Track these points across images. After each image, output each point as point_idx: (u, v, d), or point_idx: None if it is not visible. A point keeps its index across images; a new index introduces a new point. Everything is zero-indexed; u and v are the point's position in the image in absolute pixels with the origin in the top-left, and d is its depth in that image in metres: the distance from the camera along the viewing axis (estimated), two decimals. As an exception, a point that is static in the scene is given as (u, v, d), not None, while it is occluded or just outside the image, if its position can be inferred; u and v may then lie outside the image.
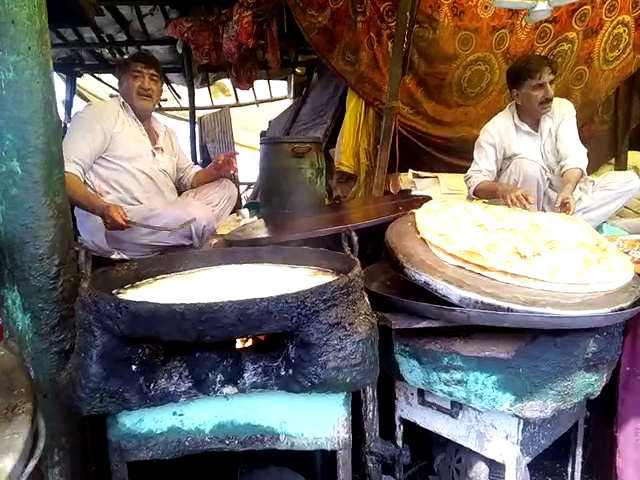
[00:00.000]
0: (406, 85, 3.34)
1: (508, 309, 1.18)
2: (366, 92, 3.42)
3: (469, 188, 2.61)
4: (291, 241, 1.76)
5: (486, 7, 3.35)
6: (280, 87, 7.58)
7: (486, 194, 2.50)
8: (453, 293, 1.24)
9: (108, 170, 2.20)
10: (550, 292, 1.26)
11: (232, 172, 2.46)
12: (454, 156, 3.57)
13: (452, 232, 1.49)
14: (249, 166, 8.32)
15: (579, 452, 1.59)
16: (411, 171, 3.29)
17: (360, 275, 1.24)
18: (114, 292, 1.32)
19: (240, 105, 8.07)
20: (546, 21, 3.44)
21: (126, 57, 3.44)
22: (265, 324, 1.05)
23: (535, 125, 2.55)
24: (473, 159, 2.62)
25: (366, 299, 1.28)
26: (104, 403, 1.06)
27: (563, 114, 2.49)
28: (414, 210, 1.64)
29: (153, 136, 2.40)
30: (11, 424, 0.73)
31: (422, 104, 3.54)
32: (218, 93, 7.80)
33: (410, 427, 1.61)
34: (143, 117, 2.35)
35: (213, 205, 2.38)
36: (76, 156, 2.06)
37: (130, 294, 1.31)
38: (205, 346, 1.15)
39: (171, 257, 1.56)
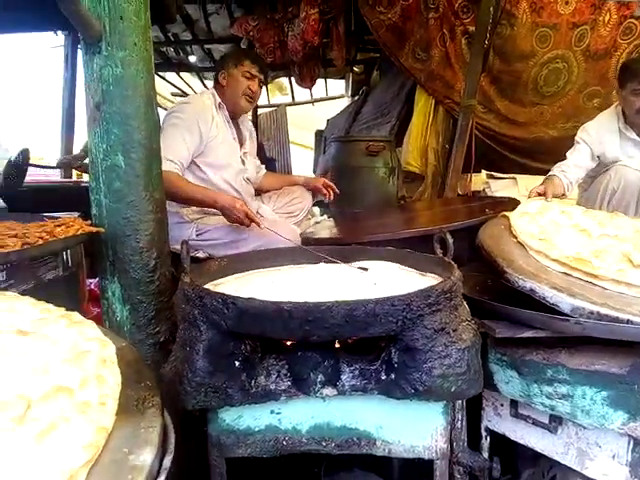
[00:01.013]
0: (479, 83, 3.24)
1: (628, 321, 1.10)
2: (437, 90, 3.35)
3: None
4: (373, 241, 1.72)
5: (567, 3, 3.19)
6: (336, 86, 7.57)
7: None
8: (564, 302, 1.17)
9: (195, 178, 2.07)
10: (671, 305, 1.17)
11: (327, 197, 2.37)
12: (529, 157, 3.43)
13: (553, 237, 1.41)
14: (303, 164, 8.39)
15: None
16: (485, 172, 3.19)
17: (461, 279, 1.19)
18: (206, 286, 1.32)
19: (296, 104, 8.14)
20: (631, 17, 3.24)
21: (237, 50, 3.16)
22: (371, 326, 1.02)
23: None
24: (552, 161, 2.49)
25: (465, 305, 1.23)
26: (208, 398, 1.06)
27: None
28: (506, 212, 1.57)
29: (241, 139, 2.28)
30: (144, 417, 0.73)
31: (495, 102, 3.43)
32: (275, 91, 7.89)
33: (493, 439, 1.54)
34: (234, 117, 2.23)
35: (294, 215, 2.32)
36: (175, 156, 1.92)
37: (220, 288, 1.31)
38: (304, 346, 1.13)
39: (258, 254, 1.56)
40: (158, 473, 0.66)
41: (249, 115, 6.96)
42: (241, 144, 2.26)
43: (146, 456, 0.66)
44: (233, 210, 1.84)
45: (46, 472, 0.58)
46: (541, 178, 2.68)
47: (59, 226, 1.19)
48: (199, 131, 2.01)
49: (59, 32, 4.47)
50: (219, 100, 2.15)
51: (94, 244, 1.37)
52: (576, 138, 2.39)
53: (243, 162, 2.23)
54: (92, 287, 1.76)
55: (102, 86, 1.29)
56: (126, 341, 0.93)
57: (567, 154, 2.39)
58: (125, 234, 1.30)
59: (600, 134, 2.35)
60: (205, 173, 2.09)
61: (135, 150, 1.30)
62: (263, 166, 2.56)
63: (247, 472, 1.45)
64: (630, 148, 2.32)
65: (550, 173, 2.33)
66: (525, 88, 3.44)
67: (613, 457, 1.24)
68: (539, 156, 3.25)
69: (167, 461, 0.68)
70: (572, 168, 2.34)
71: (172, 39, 5.79)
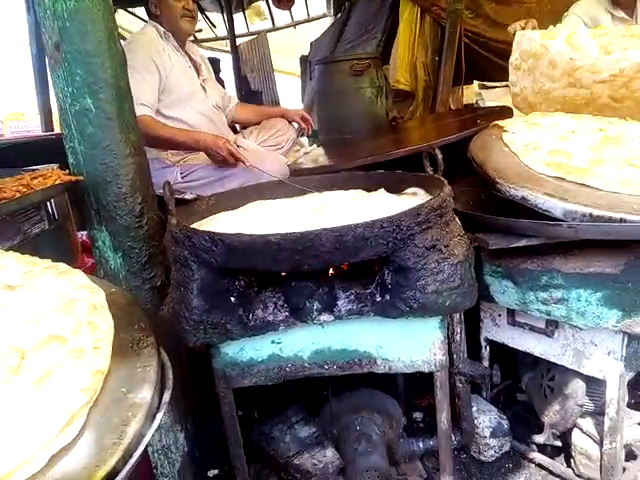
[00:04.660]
0: (465, -15, 3.04)
1: (621, 220, 1.09)
2: (422, -3, 3.14)
3: None
4: (363, 166, 1.68)
5: None
6: (318, 5, 7.13)
7: None
8: (556, 207, 1.15)
9: (167, 119, 1.96)
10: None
11: (305, 131, 2.29)
12: (520, 63, 3.26)
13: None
14: (290, 93, 8.09)
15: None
16: (477, 82, 3.05)
17: (451, 195, 1.17)
18: (195, 225, 1.31)
19: (277, 29, 7.71)
20: None
21: None
22: (362, 251, 1.02)
23: (630, 10, 2.25)
24: None
25: (457, 220, 1.22)
26: (208, 334, 1.08)
27: None
28: (498, 122, 1.51)
29: (196, 66, 2.17)
30: (140, 357, 0.74)
31: (482, 6, 3.22)
32: (253, 18, 7.45)
33: (493, 348, 1.59)
34: (182, 44, 2.11)
35: (279, 147, 2.25)
36: (145, 99, 1.83)
37: (208, 227, 1.30)
38: (298, 275, 1.14)
39: (244, 190, 1.53)
40: (158, 408, 0.68)
41: (227, 47, 6.59)
42: (197, 72, 2.16)
43: (145, 393, 0.67)
44: (217, 150, 1.80)
45: (47, 415, 0.59)
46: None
47: (36, 178, 1.16)
48: (156, 67, 1.92)
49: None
50: (163, 30, 2.03)
51: (77, 194, 1.34)
52: (565, 14, 2.29)
53: (205, 89, 2.15)
54: (84, 238, 1.75)
55: (58, 23, 1.20)
56: (117, 287, 0.92)
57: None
58: (106, 180, 1.26)
59: (588, 15, 2.26)
60: (175, 111, 2.01)
61: (103, 90, 1.23)
62: (233, 95, 2.45)
63: (258, 399, 1.52)
64: (619, 27, 2.22)
65: None
66: (511, -15, 3.22)
67: (608, 354, 1.28)
68: (532, 61, 3.10)
69: (166, 396, 0.70)
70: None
71: (137, -31, 5.39)
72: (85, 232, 1.76)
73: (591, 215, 1.11)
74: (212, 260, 1.03)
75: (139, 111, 1.75)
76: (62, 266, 0.91)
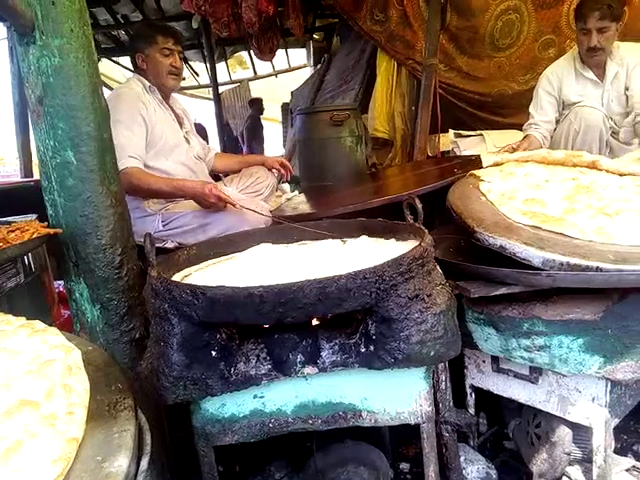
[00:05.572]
0: (439, 41, 3.19)
1: (597, 268, 1.11)
2: (398, 52, 3.28)
3: None
4: (345, 214, 1.70)
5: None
6: (298, 56, 7.41)
7: None
8: (534, 256, 1.17)
9: (149, 169, 1.96)
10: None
11: (284, 177, 2.35)
12: (493, 113, 3.42)
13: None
14: (272, 139, 8.25)
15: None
16: (452, 131, 3.16)
17: (432, 244, 1.19)
18: (176, 278, 1.29)
19: (259, 78, 7.95)
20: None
21: (144, 26, 2.96)
22: (345, 302, 1.01)
23: (601, 71, 2.32)
24: (516, 115, 2.49)
25: (438, 269, 1.22)
26: (188, 390, 1.04)
27: (637, 62, 2.23)
28: (474, 171, 1.56)
29: (179, 119, 2.21)
30: (116, 421, 0.71)
31: (455, 59, 3.39)
32: (236, 67, 7.69)
33: (478, 395, 1.58)
34: (166, 97, 2.16)
35: (259, 194, 2.27)
36: (133, 151, 1.85)
37: (190, 279, 1.28)
38: (281, 327, 1.12)
39: (226, 239, 1.52)
40: (135, 477, 0.65)
41: (210, 94, 6.75)
42: (180, 124, 2.20)
43: (121, 461, 0.64)
44: (204, 197, 1.81)
45: (14, 492, 0.56)
46: (508, 132, 2.69)
47: (13, 231, 1.14)
48: (142, 118, 1.94)
49: (-2, 24, 4.22)
50: (148, 84, 2.06)
51: (55, 245, 1.32)
52: (537, 90, 2.39)
53: (188, 141, 2.18)
54: (61, 289, 1.71)
55: (42, 78, 1.22)
56: (93, 344, 0.90)
57: (531, 110, 2.39)
58: (85, 232, 1.25)
59: (559, 76, 2.37)
60: (157, 162, 2.02)
61: (85, 143, 1.24)
62: (213, 146, 2.50)
63: (239, 452, 1.46)
64: (588, 88, 2.33)
65: (524, 134, 2.34)
66: (482, 42, 3.40)
67: (593, 400, 1.28)
68: (503, 110, 3.24)
69: (143, 464, 0.67)
70: (542, 124, 2.35)
71: (122, 21, 5.56)
72: (62, 282, 1.73)
73: (568, 264, 1.13)
74: (193, 314, 1.01)
75: (128, 163, 1.81)
76: (37, 324, 0.88)
